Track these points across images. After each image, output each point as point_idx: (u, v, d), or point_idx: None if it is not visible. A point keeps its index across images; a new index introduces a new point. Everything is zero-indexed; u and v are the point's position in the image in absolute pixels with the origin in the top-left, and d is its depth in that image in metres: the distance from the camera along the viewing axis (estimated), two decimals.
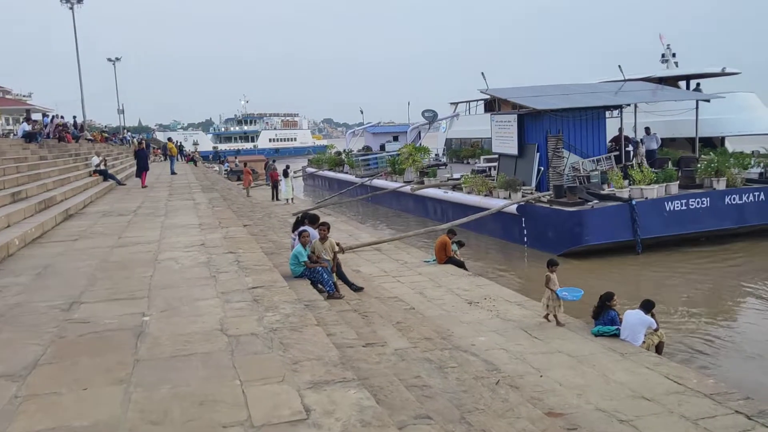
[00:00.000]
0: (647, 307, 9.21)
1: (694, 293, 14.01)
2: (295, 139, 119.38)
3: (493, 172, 23.85)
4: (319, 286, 8.37)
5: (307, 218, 10.50)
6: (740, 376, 9.04)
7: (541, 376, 7.91)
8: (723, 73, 25.98)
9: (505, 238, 19.49)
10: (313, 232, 9.34)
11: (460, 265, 15.07)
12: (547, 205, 17.71)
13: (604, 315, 9.47)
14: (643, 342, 9.05)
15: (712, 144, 23.85)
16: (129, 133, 73.17)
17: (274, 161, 39.52)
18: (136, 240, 10.32)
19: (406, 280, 13.55)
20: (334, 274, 9.00)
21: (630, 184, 17.37)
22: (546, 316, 9.89)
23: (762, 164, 19.76)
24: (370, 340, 6.42)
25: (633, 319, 9.10)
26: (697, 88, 26.10)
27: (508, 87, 23.45)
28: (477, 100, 41.37)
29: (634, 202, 16.50)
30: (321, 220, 10.33)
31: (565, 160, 19.60)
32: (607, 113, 20.29)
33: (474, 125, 38.44)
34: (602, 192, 17.67)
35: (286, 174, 29.69)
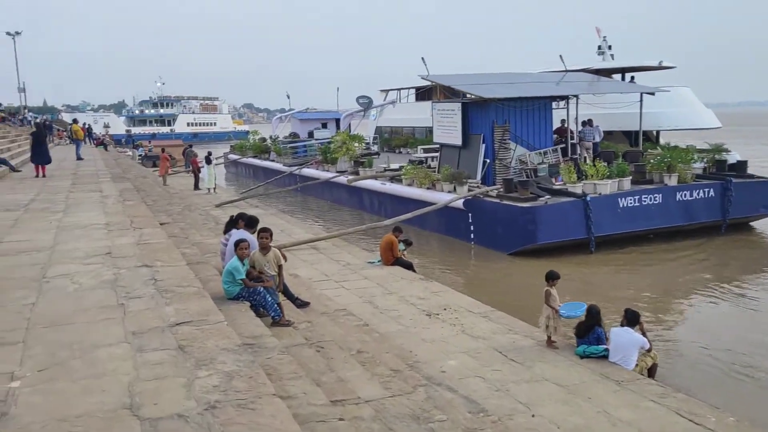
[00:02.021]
0: (633, 319, 8.03)
1: (654, 294, 13.19)
2: (215, 124, 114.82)
3: (432, 163, 22.57)
4: (261, 309, 6.65)
5: (242, 220, 8.70)
6: (743, 405, 8.06)
7: (533, 416, 6.54)
8: (660, 67, 25.67)
9: (450, 235, 18.21)
10: (252, 240, 7.57)
11: (409, 267, 13.61)
12: (497, 200, 16.52)
13: (590, 333, 8.23)
14: (636, 365, 7.88)
15: (647, 138, 23.45)
16: (30, 114, 67.49)
17: (191, 146, 36.79)
18: (20, 246, 8.23)
19: (351, 286, 11.96)
20: (279, 293, 7.28)
21: (581, 179, 16.44)
22: (549, 341, 8.49)
23: (704, 159, 19.38)
24: (337, 393, 4.84)
25: (623, 340, 7.89)
26: (632, 82, 25.73)
27: (449, 74, 22.14)
28: (408, 88, 40.08)
29: (588, 198, 15.55)
30: (259, 223, 8.58)
31: (512, 152, 18.51)
32: (554, 104, 19.34)
33: (406, 113, 37.16)
34: (553, 187, 16.65)
35: (208, 161, 27.36)
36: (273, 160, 35.63)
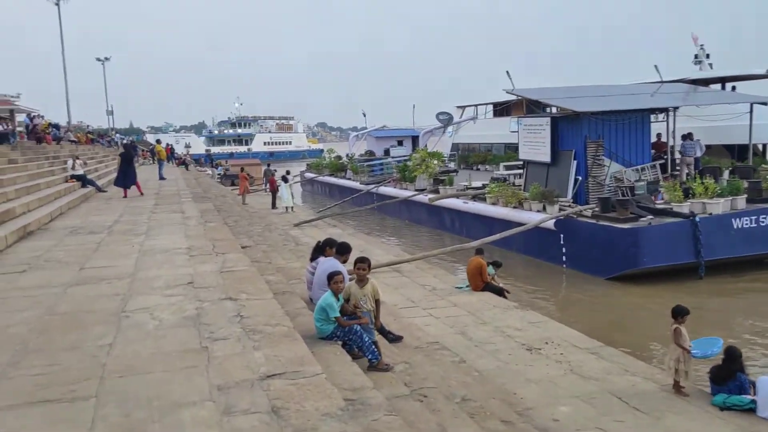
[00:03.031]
0: None
1: None
2: (291, 143, 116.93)
3: (517, 181, 21.51)
4: (356, 350, 5.91)
5: (329, 246, 8.04)
6: None
7: None
8: (767, 75, 23.67)
9: (539, 257, 17.08)
10: (343, 270, 6.87)
11: (500, 292, 12.66)
12: (593, 221, 15.31)
13: (731, 379, 7.06)
14: None
15: (753, 152, 21.53)
16: (117, 135, 70.42)
17: (269, 165, 37.04)
18: (102, 273, 7.84)
19: (440, 314, 11.10)
20: (375, 330, 6.52)
21: (688, 198, 15.02)
22: (677, 386, 7.37)
23: None
24: None
25: None
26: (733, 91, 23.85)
27: (536, 88, 21.08)
28: (486, 104, 39.19)
29: (697, 219, 14.14)
30: (351, 251, 7.91)
31: (606, 168, 17.26)
32: (651, 117, 17.97)
33: (483, 130, 36.20)
34: (655, 206, 15.30)
35: (285, 179, 27.22)
36: (349, 179, 35.34)
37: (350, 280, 6.77)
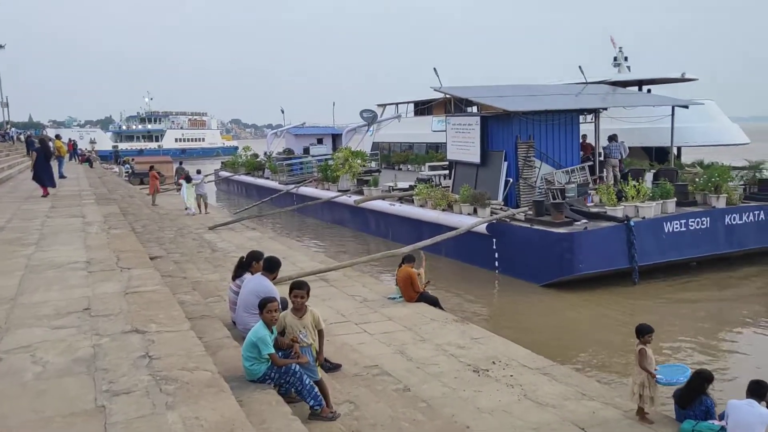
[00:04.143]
0: (760, 392, 6.35)
1: (712, 331, 11.58)
2: (204, 140, 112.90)
3: (443, 182, 20.95)
4: (293, 392, 4.88)
5: (256, 261, 6.97)
6: None
7: None
8: (682, 79, 24.26)
9: (470, 262, 16.49)
10: (274, 293, 5.81)
11: (434, 303, 11.87)
12: (527, 225, 14.86)
13: (697, 402, 6.54)
14: None
15: (665, 153, 21.98)
16: (13, 129, 65.31)
17: (181, 163, 34.99)
18: None
19: (374, 329, 10.17)
20: (318, 366, 5.48)
21: (621, 201, 14.84)
22: (641, 412, 6.76)
23: (743, 178, 17.84)
24: None
25: (747, 415, 6.16)
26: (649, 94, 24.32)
27: (463, 86, 20.56)
28: (407, 102, 38.75)
29: (632, 223, 13.93)
30: (280, 266, 6.83)
31: (537, 170, 16.93)
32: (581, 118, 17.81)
33: (404, 129, 35.67)
34: (590, 210, 15.03)
35: (188, 179, 25.00)
36: (268, 178, 33.87)
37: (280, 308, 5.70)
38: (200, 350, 4.83)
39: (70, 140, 53.76)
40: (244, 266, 7.31)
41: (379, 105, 39.81)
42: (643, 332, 6.78)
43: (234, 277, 7.33)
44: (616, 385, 9.10)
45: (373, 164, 33.65)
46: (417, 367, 8.49)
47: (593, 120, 18.47)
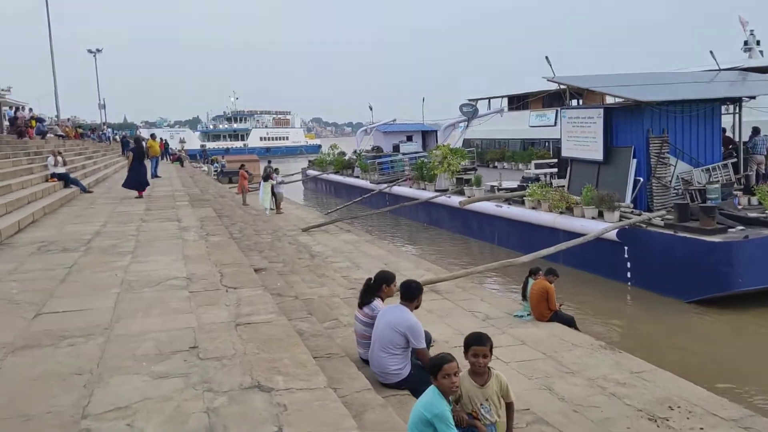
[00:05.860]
0: None
1: None
2: (287, 138, 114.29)
3: (555, 182, 19.08)
4: None
5: (387, 283, 5.65)
6: None
7: None
8: None
9: (595, 272, 14.61)
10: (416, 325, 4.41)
11: (570, 323, 10.28)
12: (668, 231, 12.89)
13: None
14: None
15: None
16: (110, 130, 67.66)
17: (270, 162, 34.48)
18: (65, 323, 5.39)
19: (508, 356, 8.66)
20: None
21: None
22: None
23: None
24: None
25: None
26: None
27: (580, 75, 18.59)
28: (501, 97, 36.88)
29: None
30: (422, 292, 5.47)
31: (672, 168, 14.88)
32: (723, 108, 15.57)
33: (498, 124, 33.84)
34: (747, 215, 12.90)
35: (266, 178, 23.94)
36: (357, 177, 32.83)
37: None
38: (350, 424, 3.48)
39: (161, 140, 54.89)
40: (371, 290, 5.96)
41: (470, 100, 38.10)
42: None
43: (361, 304, 5.99)
44: None
45: (467, 162, 32.07)
46: (574, 411, 6.93)
47: (734, 111, 16.17)
